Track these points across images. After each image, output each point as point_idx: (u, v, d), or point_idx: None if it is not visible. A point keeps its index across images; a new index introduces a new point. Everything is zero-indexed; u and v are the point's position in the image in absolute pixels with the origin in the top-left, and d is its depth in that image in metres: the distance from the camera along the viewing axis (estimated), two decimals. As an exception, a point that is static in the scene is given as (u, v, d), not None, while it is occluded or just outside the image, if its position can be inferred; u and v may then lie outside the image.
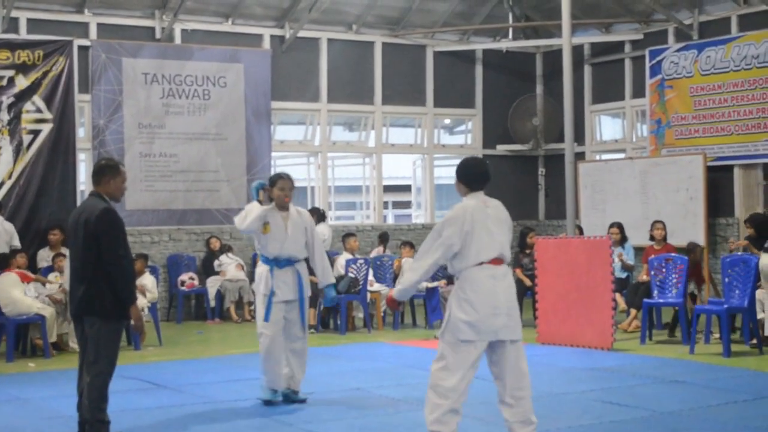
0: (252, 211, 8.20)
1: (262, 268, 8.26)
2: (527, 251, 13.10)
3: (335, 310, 13.21)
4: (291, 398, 8.30)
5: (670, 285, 11.70)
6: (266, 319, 8.16)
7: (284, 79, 15.95)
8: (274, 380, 8.12)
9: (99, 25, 14.70)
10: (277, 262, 8.23)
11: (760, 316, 10.79)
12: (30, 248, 12.47)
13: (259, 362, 8.23)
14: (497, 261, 6.24)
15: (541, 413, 6.41)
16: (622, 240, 13.24)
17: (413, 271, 6.45)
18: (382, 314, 13.59)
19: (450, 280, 11.05)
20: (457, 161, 6.72)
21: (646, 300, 11.73)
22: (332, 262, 13.58)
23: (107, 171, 6.92)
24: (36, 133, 13.96)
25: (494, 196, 6.49)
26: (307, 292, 8.40)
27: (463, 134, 18.29)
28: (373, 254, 14.81)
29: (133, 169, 14.11)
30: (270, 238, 8.18)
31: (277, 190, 8.26)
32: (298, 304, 8.28)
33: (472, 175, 6.42)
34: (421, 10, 16.75)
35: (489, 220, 6.29)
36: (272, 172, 15.58)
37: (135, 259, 9.47)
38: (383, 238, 15.00)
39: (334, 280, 8.82)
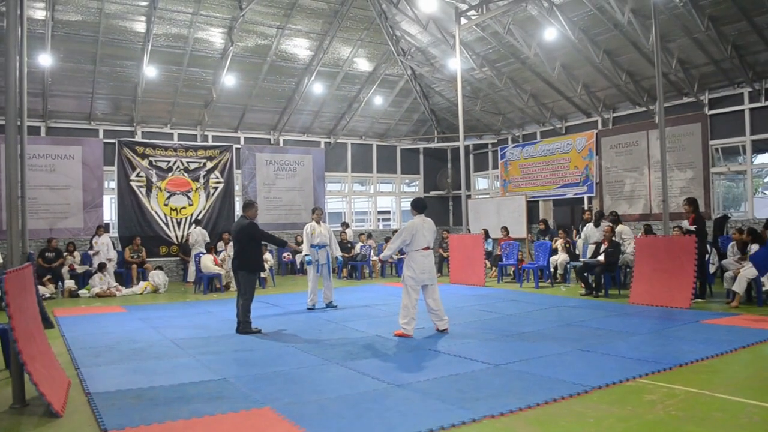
0: (305, 242, 8.39)
1: (310, 250, 8.40)
2: (445, 240, 13.16)
3: (355, 268, 13.25)
4: (330, 306, 8.47)
5: (511, 255, 11.81)
6: (317, 271, 8.45)
7: (330, 161, 15.88)
8: (313, 299, 8.38)
9: (245, 137, 14.70)
10: (317, 246, 8.47)
11: (552, 269, 10.96)
12: (214, 242, 12.44)
13: (308, 292, 8.46)
14: (426, 248, 6.40)
15: (449, 315, 6.56)
16: (487, 236, 13.33)
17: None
18: (378, 270, 13.54)
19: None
20: (411, 199, 6.82)
21: (500, 263, 11.85)
22: (354, 246, 13.70)
23: (250, 205, 7.08)
24: (216, 188, 13.93)
25: (428, 215, 6.61)
26: (330, 260, 8.58)
27: (415, 186, 18.26)
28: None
29: (261, 204, 14.07)
30: (313, 236, 8.45)
31: (315, 215, 8.62)
32: (326, 264, 8.50)
33: (418, 206, 6.57)
34: (394, 129, 16.74)
35: (424, 228, 6.44)
36: (325, 206, 15.77)
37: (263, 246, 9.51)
38: (387, 240, 14.89)
39: (340, 254, 8.99)
